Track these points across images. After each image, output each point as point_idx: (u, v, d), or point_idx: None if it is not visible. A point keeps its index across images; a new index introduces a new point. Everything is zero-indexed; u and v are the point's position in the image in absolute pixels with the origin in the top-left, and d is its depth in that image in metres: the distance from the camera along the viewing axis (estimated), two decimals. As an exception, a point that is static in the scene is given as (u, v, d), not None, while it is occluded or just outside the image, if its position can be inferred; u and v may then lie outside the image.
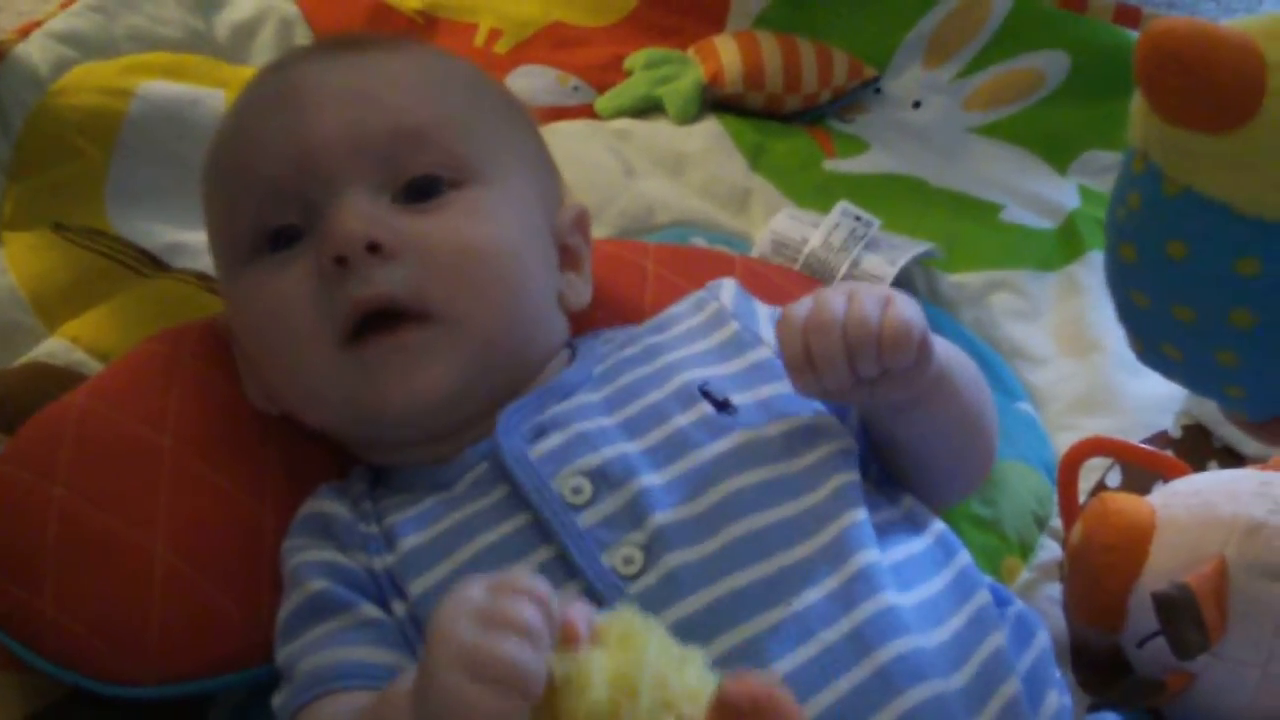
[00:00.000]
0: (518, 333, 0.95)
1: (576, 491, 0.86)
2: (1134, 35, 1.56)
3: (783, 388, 0.91)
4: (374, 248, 0.90)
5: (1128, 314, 0.73)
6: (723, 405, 0.91)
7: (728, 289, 1.03)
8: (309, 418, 0.97)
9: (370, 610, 0.87)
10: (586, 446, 0.88)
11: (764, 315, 1.00)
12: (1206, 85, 0.63)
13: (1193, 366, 0.72)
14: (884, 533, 0.86)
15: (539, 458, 0.88)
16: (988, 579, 0.89)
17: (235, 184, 0.96)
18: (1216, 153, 0.65)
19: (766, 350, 0.95)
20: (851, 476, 0.88)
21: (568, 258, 1.03)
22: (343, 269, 0.90)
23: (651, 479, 0.85)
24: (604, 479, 0.86)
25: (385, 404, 0.91)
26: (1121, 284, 0.73)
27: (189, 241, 1.24)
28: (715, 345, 0.97)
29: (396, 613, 0.87)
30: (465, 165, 0.96)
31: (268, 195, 0.94)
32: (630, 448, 0.88)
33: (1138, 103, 0.68)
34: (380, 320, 0.91)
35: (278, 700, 0.86)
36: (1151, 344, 0.73)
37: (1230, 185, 0.66)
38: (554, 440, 0.89)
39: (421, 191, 0.94)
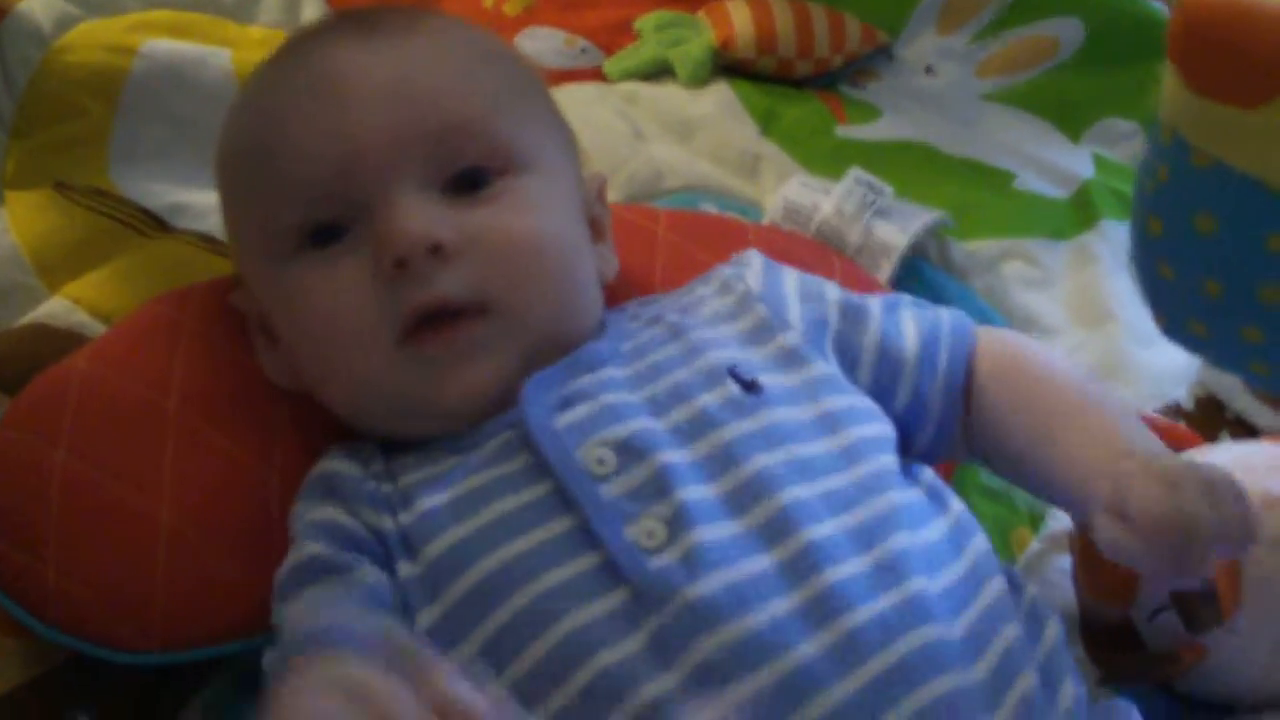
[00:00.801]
0: (570, 318, 0.95)
1: (601, 462, 0.84)
2: (1149, 2, 1.55)
3: (815, 371, 0.91)
4: (434, 249, 0.89)
5: (1154, 288, 0.72)
6: (750, 386, 0.89)
7: (755, 266, 1.01)
8: (345, 408, 0.96)
9: (364, 573, 0.86)
10: (613, 418, 0.87)
11: (792, 290, 0.99)
12: (1241, 58, 0.62)
13: (1218, 342, 0.71)
14: (908, 512, 0.85)
15: (564, 427, 0.87)
16: (1002, 565, 0.88)
17: (273, 179, 0.94)
18: (1248, 126, 0.64)
19: (795, 335, 0.94)
20: (887, 459, 0.87)
21: (595, 229, 1.02)
22: (402, 271, 0.89)
23: (675, 456, 0.84)
24: (629, 451, 0.84)
25: (441, 398, 0.90)
26: (1148, 258, 0.72)
27: (193, 202, 1.23)
28: (745, 330, 0.95)
29: (402, 573, 0.86)
30: (508, 153, 0.95)
31: (313, 192, 0.92)
32: (654, 424, 0.87)
33: (1168, 75, 0.67)
34: (437, 316, 0.90)
35: (267, 660, 0.85)
36: (1177, 319, 0.72)
37: (1262, 159, 0.65)
38: (580, 411, 0.88)
39: (469, 183, 0.93)
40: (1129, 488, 0.76)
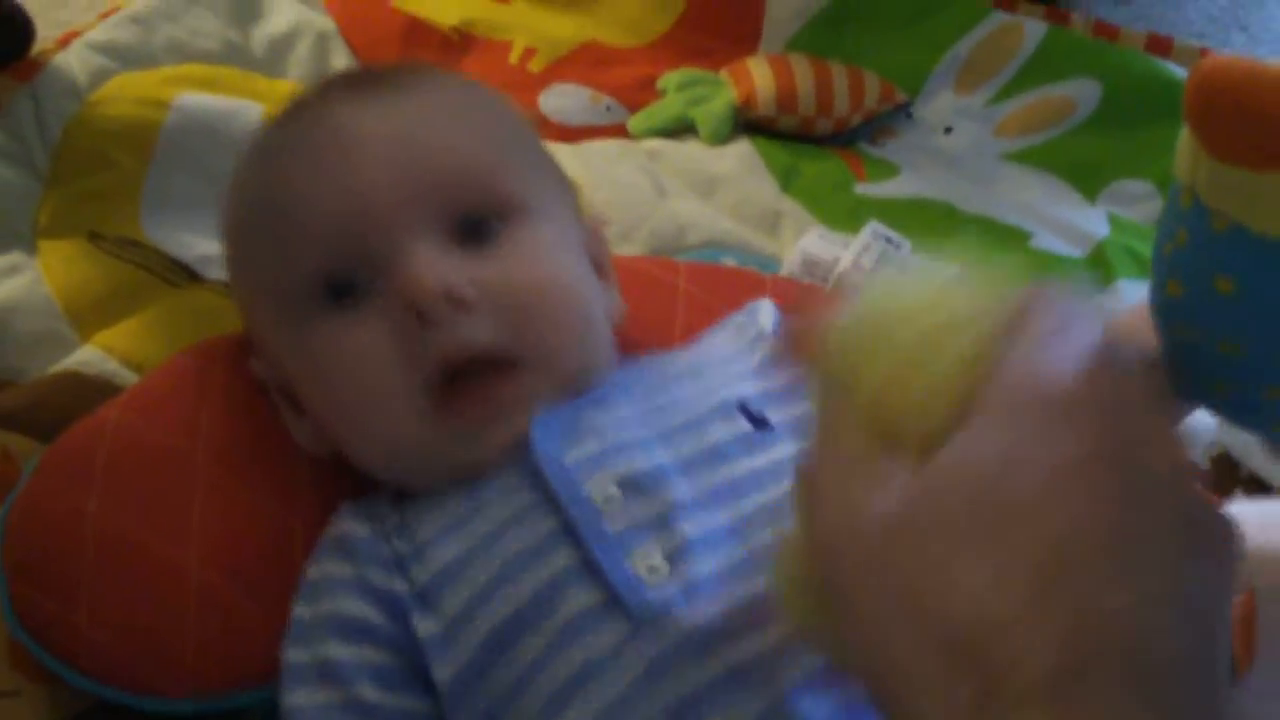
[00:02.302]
0: (591, 360, 0.96)
1: (608, 498, 0.86)
2: (1166, 65, 1.56)
3: None
4: (452, 299, 0.90)
5: (1174, 350, 0.73)
6: (760, 423, 0.91)
7: (766, 312, 1.03)
8: (372, 467, 0.96)
9: (367, 691, 0.87)
10: (621, 454, 0.88)
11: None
12: (1256, 122, 0.63)
13: (1240, 402, 0.72)
14: None
15: (573, 463, 0.88)
16: None
17: (283, 240, 0.95)
18: (1265, 190, 0.65)
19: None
20: None
21: (597, 269, 1.04)
22: (423, 323, 0.90)
23: (683, 491, 0.85)
24: (636, 487, 0.86)
25: (476, 459, 0.91)
26: (1170, 320, 0.73)
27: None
28: (755, 365, 0.97)
29: (421, 633, 0.87)
30: (511, 199, 0.96)
31: (325, 248, 0.93)
32: (664, 458, 0.88)
33: (1184, 138, 0.68)
34: (466, 372, 0.91)
35: None
36: (1199, 380, 0.73)
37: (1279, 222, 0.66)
38: (589, 446, 0.89)
39: (477, 232, 0.94)
40: None
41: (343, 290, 0.93)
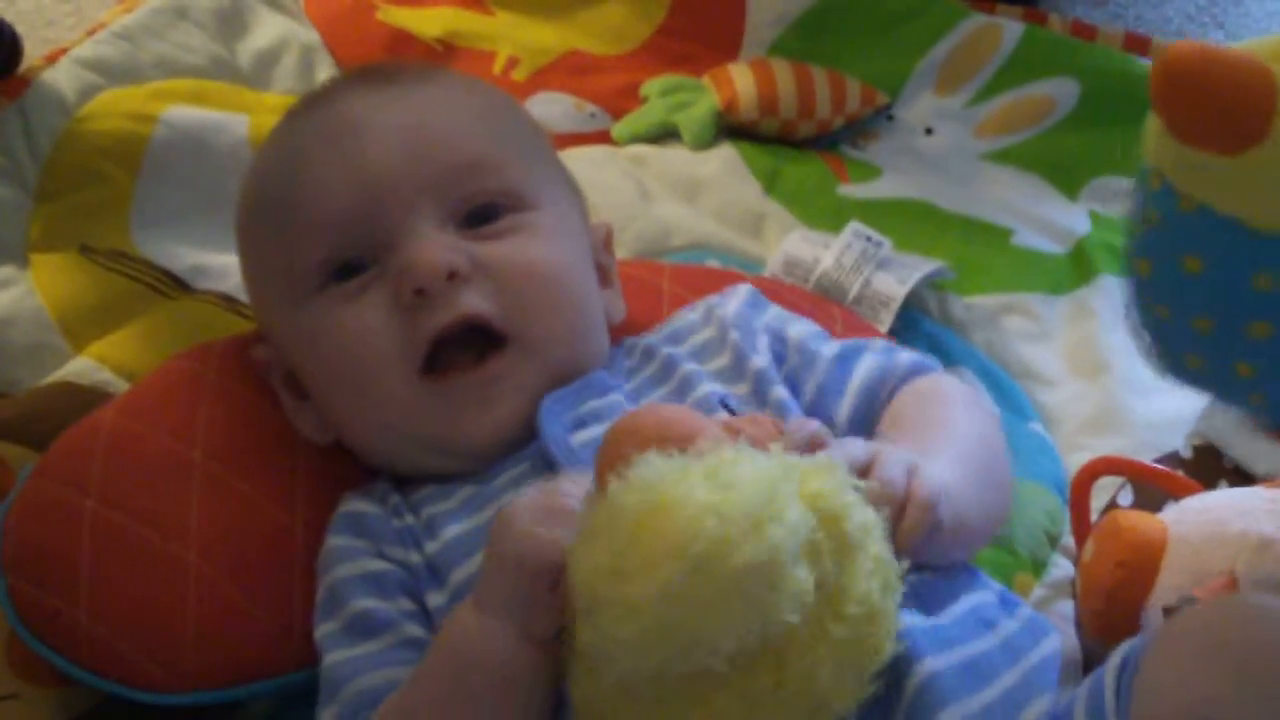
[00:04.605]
0: (583, 351, 0.98)
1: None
2: (1144, 63, 1.57)
3: (778, 396, 0.94)
4: (452, 276, 0.93)
5: (1148, 326, 0.74)
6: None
7: (738, 295, 1.05)
8: (372, 446, 0.99)
9: (412, 628, 0.88)
10: None
11: (762, 327, 1.02)
12: (1219, 107, 0.65)
13: (1213, 375, 0.73)
14: None
15: (581, 445, 0.90)
16: (996, 586, 0.89)
17: (296, 223, 0.98)
18: (1229, 172, 0.67)
19: (761, 361, 0.97)
20: None
21: (602, 275, 1.05)
22: (423, 299, 0.92)
23: None
24: None
25: (466, 437, 0.93)
26: (1140, 298, 0.74)
27: (212, 263, 1.26)
28: (724, 366, 0.98)
29: (431, 604, 0.89)
30: (519, 192, 0.98)
31: (335, 229, 0.96)
32: None
33: (1152, 123, 0.70)
34: (459, 347, 0.93)
35: (325, 717, 0.87)
36: (1173, 355, 0.74)
37: (1244, 203, 0.67)
38: (595, 431, 0.91)
39: (482, 219, 0.96)
40: None
41: (347, 270, 0.95)
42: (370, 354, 0.94)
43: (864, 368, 0.98)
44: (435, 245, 0.93)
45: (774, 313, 1.05)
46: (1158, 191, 0.70)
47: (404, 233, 0.94)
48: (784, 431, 0.77)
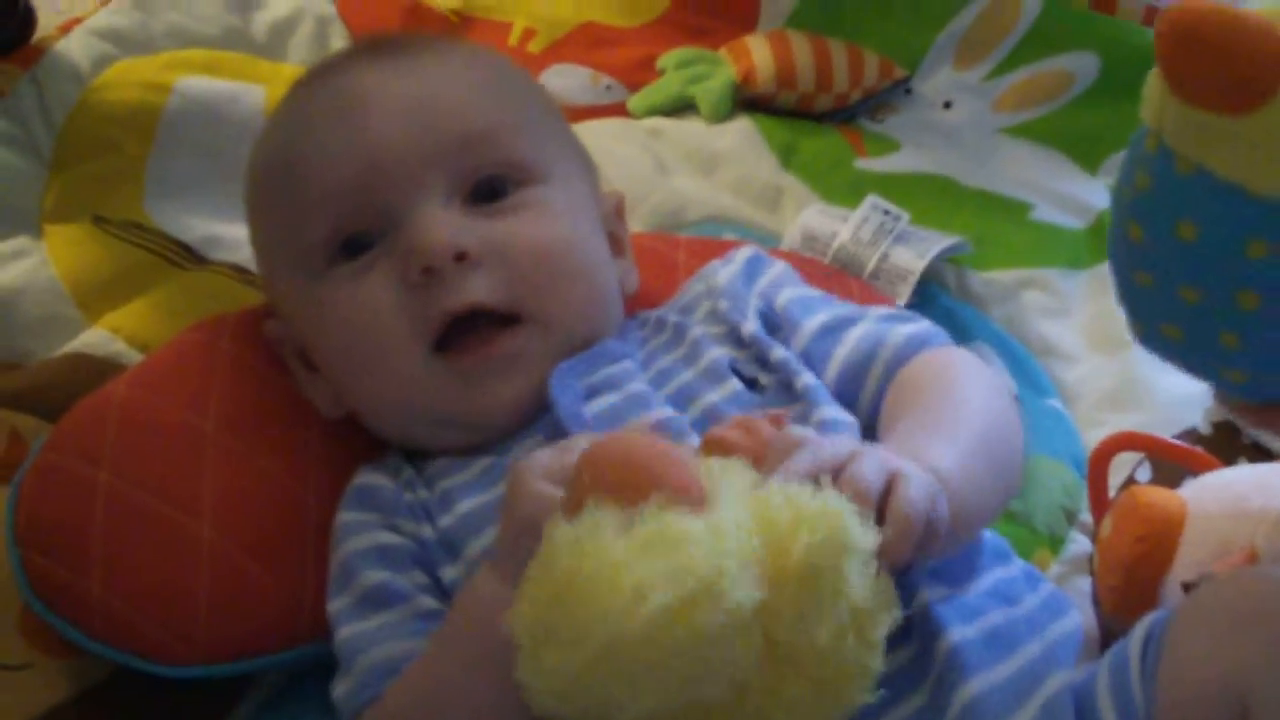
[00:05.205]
0: (595, 325, 0.98)
1: None
2: (1162, 36, 1.56)
3: (776, 355, 0.93)
4: (460, 256, 0.92)
5: (1130, 293, 0.73)
6: (752, 383, 0.92)
7: (734, 262, 1.04)
8: (384, 421, 0.98)
9: (426, 600, 0.88)
10: (641, 406, 0.89)
11: (756, 292, 1.01)
12: (1225, 66, 0.64)
13: (1193, 348, 0.72)
14: None
15: (595, 415, 0.89)
16: (1021, 563, 0.89)
17: (302, 196, 0.97)
18: (1232, 133, 0.65)
19: (751, 326, 0.96)
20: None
21: (614, 245, 1.05)
22: (430, 278, 0.92)
23: (695, 443, 0.86)
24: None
25: (479, 413, 0.93)
26: (1126, 264, 0.73)
27: (226, 234, 1.26)
28: (721, 334, 0.98)
29: (446, 578, 0.88)
30: (527, 164, 0.98)
31: (341, 204, 0.95)
32: (673, 413, 0.89)
33: (1152, 82, 0.69)
34: (469, 324, 0.93)
35: (340, 691, 0.87)
36: (1152, 324, 0.73)
37: (1245, 166, 0.66)
38: (608, 399, 0.90)
39: (490, 193, 0.96)
40: None
41: (356, 246, 0.95)
42: (381, 332, 0.93)
43: (853, 338, 0.96)
44: (442, 224, 0.93)
45: (771, 277, 1.03)
46: (1153, 154, 0.69)
47: (410, 207, 0.94)
48: (775, 436, 0.75)
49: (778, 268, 1.04)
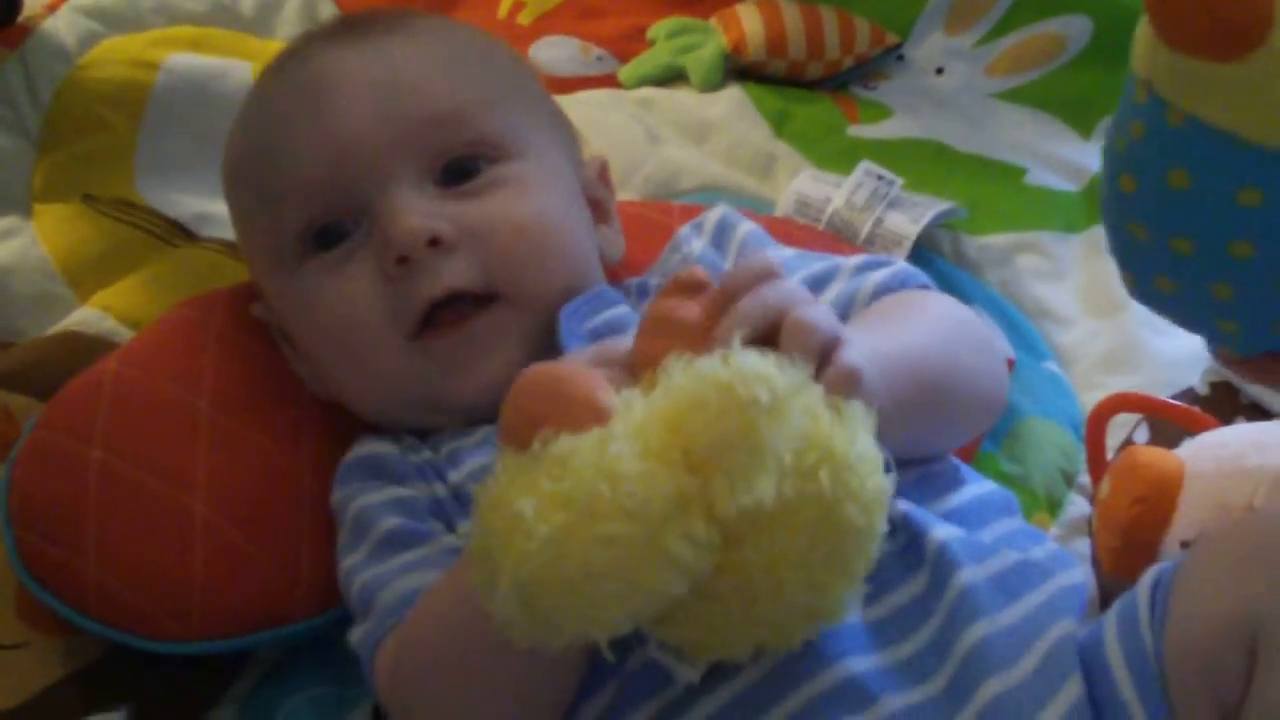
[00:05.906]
0: (576, 293, 0.96)
1: None
2: (1156, -2, 1.55)
3: None
4: (434, 242, 0.92)
5: (1123, 247, 0.73)
6: None
7: (707, 227, 1.04)
8: (370, 409, 0.98)
9: (448, 538, 0.88)
10: None
11: (733, 250, 1.01)
12: (1215, 12, 0.63)
13: (1187, 300, 0.72)
14: None
15: None
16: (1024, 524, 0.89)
17: (273, 186, 0.97)
18: (1223, 81, 0.65)
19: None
20: None
21: (598, 211, 1.04)
22: (406, 268, 0.91)
23: None
24: None
25: (459, 392, 0.93)
26: (1119, 216, 0.72)
27: (216, 211, 1.25)
28: None
29: (463, 531, 0.88)
30: (499, 141, 0.97)
31: (311, 196, 0.95)
32: None
33: (1143, 30, 0.68)
34: (446, 307, 0.92)
35: (357, 634, 0.86)
36: (1145, 277, 0.73)
37: (1236, 114, 0.65)
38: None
39: (462, 173, 0.95)
40: None
41: (330, 236, 0.94)
42: (360, 324, 0.93)
43: (827, 300, 0.95)
44: (414, 211, 0.92)
45: (739, 239, 1.02)
46: (1144, 103, 0.69)
47: (380, 195, 0.93)
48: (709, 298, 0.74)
49: (746, 227, 1.03)
